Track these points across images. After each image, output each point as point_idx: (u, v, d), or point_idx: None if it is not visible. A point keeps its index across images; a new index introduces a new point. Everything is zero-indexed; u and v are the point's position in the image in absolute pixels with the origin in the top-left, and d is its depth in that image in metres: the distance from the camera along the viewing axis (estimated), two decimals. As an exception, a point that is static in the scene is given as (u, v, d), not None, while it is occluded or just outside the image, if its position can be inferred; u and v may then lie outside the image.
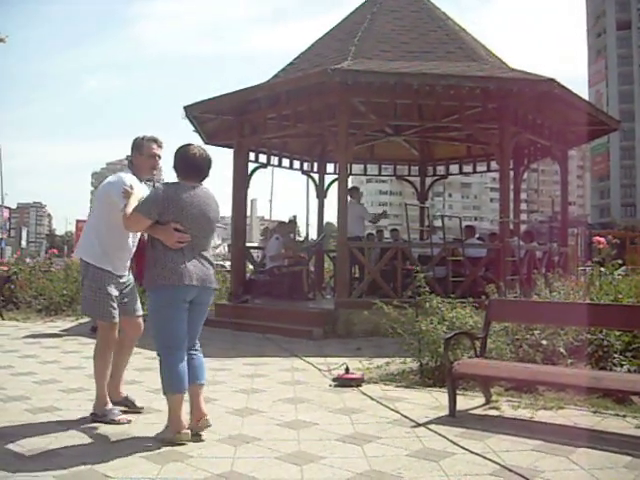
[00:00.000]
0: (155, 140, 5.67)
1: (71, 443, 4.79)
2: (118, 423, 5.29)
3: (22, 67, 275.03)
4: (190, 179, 4.99)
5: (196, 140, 15.75)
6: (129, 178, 5.43)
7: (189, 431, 4.79)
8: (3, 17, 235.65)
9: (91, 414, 5.44)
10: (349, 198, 12.59)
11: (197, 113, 13.58)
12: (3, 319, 13.69)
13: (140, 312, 5.72)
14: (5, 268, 18.34)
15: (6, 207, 65.67)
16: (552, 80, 10.85)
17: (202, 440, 4.82)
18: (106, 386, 5.50)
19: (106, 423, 5.28)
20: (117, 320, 5.46)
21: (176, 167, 5.04)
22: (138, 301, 5.73)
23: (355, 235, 12.59)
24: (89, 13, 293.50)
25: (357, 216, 13.17)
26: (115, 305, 5.45)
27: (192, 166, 5.00)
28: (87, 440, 4.91)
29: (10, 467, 4.21)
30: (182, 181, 5.00)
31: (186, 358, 4.97)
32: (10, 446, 4.67)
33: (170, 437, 4.77)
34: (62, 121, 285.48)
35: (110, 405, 5.48)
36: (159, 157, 5.74)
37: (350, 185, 12.91)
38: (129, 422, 5.34)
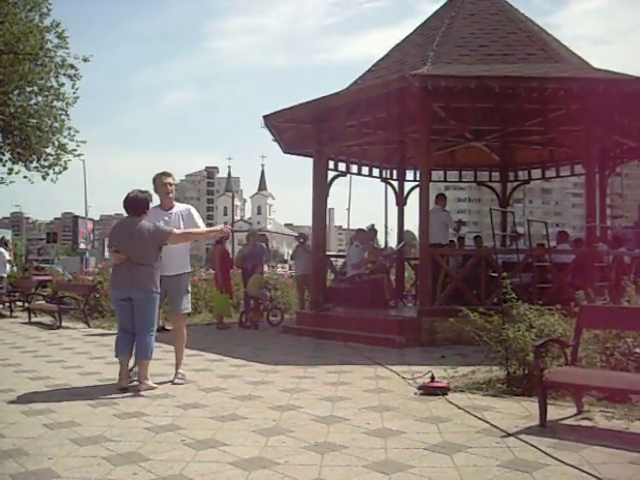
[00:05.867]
0: (164, 173, 7.57)
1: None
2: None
3: (106, 84, 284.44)
4: (129, 214, 7.18)
5: (276, 149, 15.77)
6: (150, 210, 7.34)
7: (121, 385, 6.96)
8: (91, 37, 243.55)
9: (177, 373, 7.53)
10: (433, 205, 12.39)
11: (276, 122, 13.67)
12: (89, 327, 14.17)
13: (178, 310, 7.60)
14: (90, 278, 18.90)
15: (90, 219, 67.84)
16: (640, 78, 10.48)
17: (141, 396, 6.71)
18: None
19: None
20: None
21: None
22: (180, 301, 7.55)
23: (438, 242, 12.39)
24: (168, 31, 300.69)
25: (442, 223, 12.97)
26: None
27: (127, 204, 7.15)
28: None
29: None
30: (130, 217, 7.18)
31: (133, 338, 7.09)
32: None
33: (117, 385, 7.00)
34: (142, 135, 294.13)
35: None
36: (170, 185, 7.58)
37: (432, 192, 12.63)
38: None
